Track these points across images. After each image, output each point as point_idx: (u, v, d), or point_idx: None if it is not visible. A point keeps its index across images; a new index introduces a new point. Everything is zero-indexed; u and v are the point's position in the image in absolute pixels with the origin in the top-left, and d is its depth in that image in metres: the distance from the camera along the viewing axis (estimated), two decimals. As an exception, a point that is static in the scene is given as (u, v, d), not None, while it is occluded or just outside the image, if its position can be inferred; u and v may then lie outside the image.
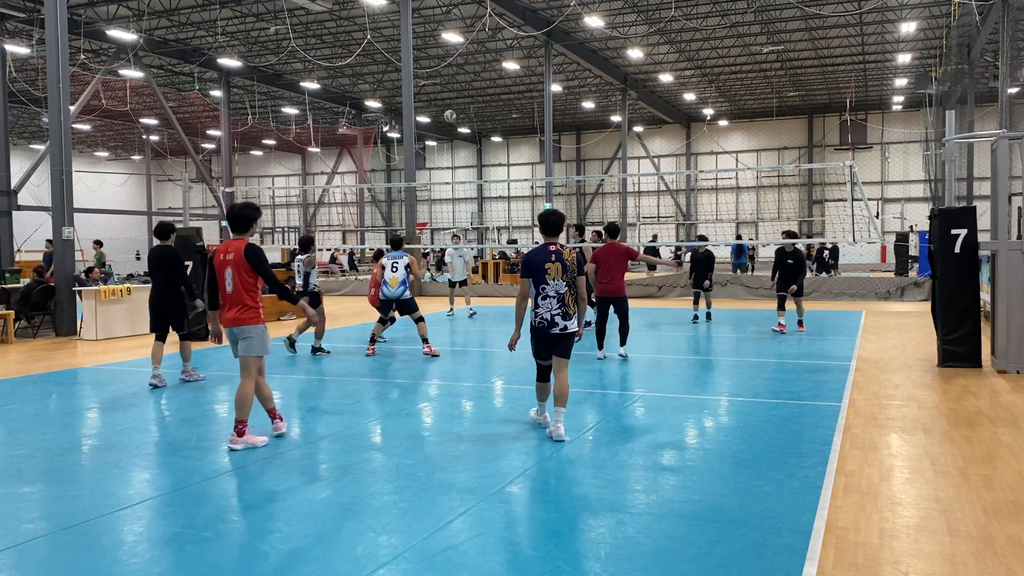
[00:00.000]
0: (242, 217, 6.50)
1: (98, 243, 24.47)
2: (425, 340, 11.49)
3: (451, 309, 17.84)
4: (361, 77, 41.58)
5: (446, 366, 10.68)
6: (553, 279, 6.45)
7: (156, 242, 9.63)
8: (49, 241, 19.84)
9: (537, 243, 6.79)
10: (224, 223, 28.04)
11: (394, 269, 11.41)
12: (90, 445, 6.66)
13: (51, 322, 15.10)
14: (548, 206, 35.11)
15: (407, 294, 11.39)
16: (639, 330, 15.09)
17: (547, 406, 6.91)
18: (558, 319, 6.45)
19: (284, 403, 8.29)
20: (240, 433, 6.32)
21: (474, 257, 34.38)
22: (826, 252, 31.64)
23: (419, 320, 11.53)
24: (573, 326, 6.52)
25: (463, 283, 17.85)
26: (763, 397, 8.25)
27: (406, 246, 12.65)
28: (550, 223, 6.63)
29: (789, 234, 15.40)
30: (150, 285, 9.54)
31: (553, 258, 6.46)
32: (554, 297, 6.45)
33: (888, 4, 28.91)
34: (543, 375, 6.70)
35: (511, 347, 6.58)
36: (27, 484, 5.50)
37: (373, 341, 11.74)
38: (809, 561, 4.02)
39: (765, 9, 29.98)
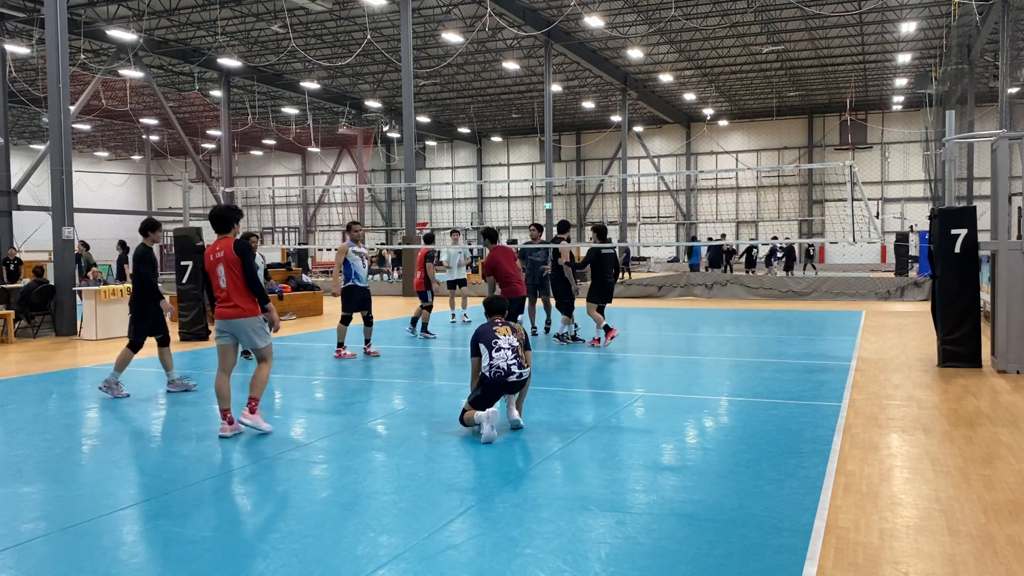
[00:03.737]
0: (223, 218, 6.81)
1: (84, 244, 22.86)
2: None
3: (459, 313, 16.90)
4: (361, 77, 41.57)
5: (446, 367, 10.68)
6: (504, 335, 6.78)
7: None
8: (83, 242, 19.64)
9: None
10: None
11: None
12: (90, 445, 6.66)
13: (51, 322, 15.10)
14: (548, 206, 35.14)
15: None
16: (640, 329, 15.09)
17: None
18: (515, 368, 6.63)
19: (284, 403, 8.29)
20: (252, 410, 6.67)
21: (473, 257, 34.18)
22: (758, 249, 32.28)
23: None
24: (527, 374, 6.76)
25: (463, 283, 16.63)
26: (763, 397, 8.25)
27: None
28: (494, 307, 7.20)
29: (595, 228, 12.41)
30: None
31: (500, 324, 6.91)
32: (508, 348, 6.68)
33: (888, 4, 28.91)
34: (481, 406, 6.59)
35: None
36: (27, 484, 5.50)
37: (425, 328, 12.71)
38: (809, 561, 4.02)
39: (765, 9, 29.98)
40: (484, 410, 6.45)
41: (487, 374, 6.62)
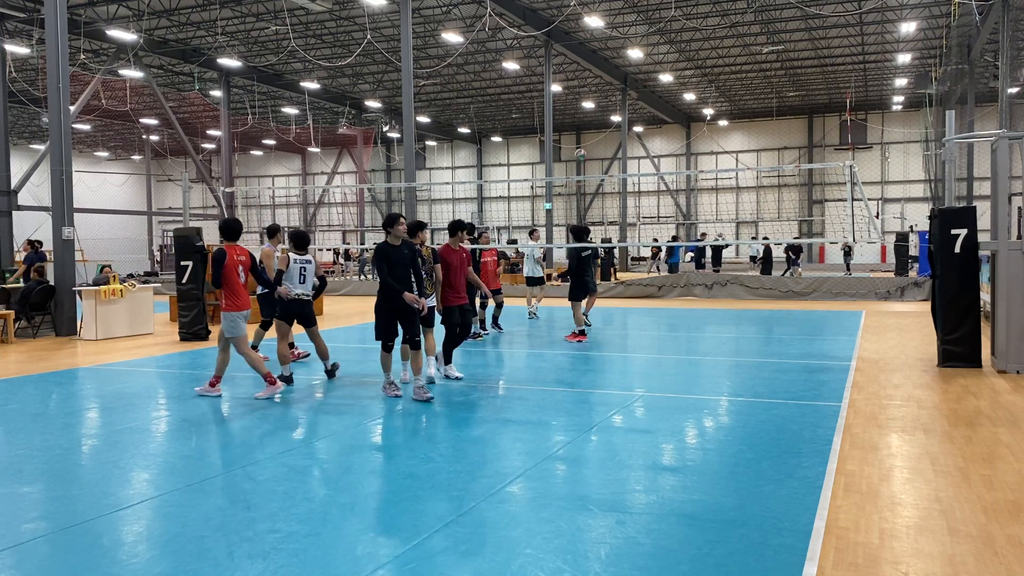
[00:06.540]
0: (232, 229, 8.53)
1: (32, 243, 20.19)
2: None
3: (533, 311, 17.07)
4: (361, 77, 41.56)
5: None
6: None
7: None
8: (28, 241, 18.73)
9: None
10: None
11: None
12: (90, 445, 6.66)
13: (51, 322, 15.10)
14: (548, 206, 35.13)
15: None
16: (640, 329, 15.10)
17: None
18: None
19: (284, 403, 8.29)
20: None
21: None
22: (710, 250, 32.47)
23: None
24: (431, 302, 8.69)
25: (540, 281, 16.88)
26: (763, 397, 8.25)
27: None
28: (413, 225, 8.89)
29: (572, 230, 13.73)
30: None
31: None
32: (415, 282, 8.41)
33: (888, 4, 28.92)
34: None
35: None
36: (27, 484, 5.50)
37: None
38: (809, 561, 4.02)
39: (765, 9, 29.98)
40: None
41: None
